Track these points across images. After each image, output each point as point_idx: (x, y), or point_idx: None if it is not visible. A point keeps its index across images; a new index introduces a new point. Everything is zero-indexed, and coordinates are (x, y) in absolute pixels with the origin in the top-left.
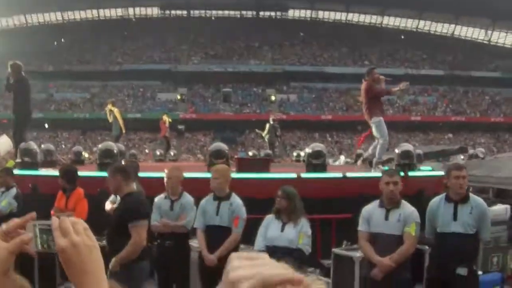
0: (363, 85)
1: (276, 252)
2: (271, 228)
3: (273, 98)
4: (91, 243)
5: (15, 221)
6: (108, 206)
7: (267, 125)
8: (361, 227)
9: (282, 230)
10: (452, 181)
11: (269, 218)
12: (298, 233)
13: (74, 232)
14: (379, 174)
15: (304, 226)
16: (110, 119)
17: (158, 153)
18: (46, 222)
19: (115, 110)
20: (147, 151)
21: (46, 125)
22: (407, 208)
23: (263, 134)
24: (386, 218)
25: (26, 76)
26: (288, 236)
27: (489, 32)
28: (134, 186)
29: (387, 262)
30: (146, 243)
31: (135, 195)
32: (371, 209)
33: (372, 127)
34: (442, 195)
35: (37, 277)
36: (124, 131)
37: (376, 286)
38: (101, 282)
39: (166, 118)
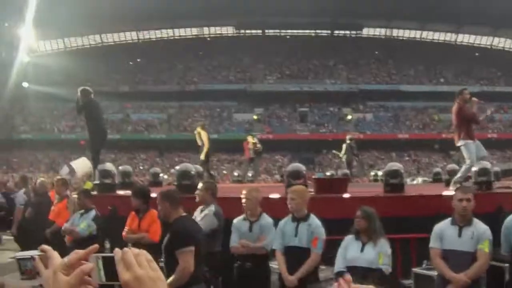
0: (454, 107)
1: (356, 272)
2: (350, 249)
3: (349, 117)
4: (155, 275)
5: (78, 252)
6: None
7: (344, 145)
8: (434, 244)
9: (362, 250)
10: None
11: (349, 238)
12: (378, 253)
13: (137, 264)
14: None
15: (383, 246)
16: (199, 142)
17: (236, 174)
18: (110, 255)
19: (203, 133)
20: (224, 172)
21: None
22: (480, 226)
23: (341, 155)
24: (460, 235)
25: (95, 99)
26: (368, 256)
27: None
28: (181, 211)
29: (462, 278)
30: (195, 268)
31: (182, 221)
32: (444, 227)
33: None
34: None
35: None
36: (207, 158)
37: None
38: None
39: (250, 140)
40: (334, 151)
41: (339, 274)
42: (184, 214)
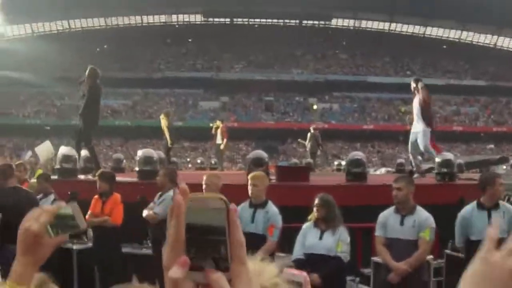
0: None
1: (314, 259)
2: (309, 236)
3: (315, 107)
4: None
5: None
6: (145, 213)
7: (308, 135)
8: (378, 232)
9: (321, 238)
10: (498, 188)
11: (307, 226)
12: (337, 241)
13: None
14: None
15: (342, 234)
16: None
17: (199, 161)
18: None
19: (163, 121)
20: (188, 159)
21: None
22: (422, 214)
23: (305, 143)
24: (402, 223)
25: (100, 83)
26: (326, 244)
27: None
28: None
29: (402, 267)
30: None
31: None
32: (387, 215)
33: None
34: (473, 204)
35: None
36: (169, 144)
37: None
38: None
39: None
40: (299, 140)
41: (297, 261)
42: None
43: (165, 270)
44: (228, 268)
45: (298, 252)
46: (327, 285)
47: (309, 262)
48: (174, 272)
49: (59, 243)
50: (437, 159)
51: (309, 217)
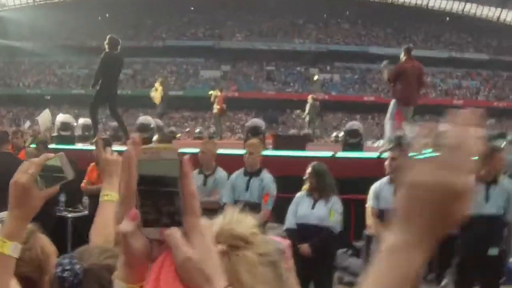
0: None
1: (306, 229)
2: (302, 206)
3: (316, 77)
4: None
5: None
6: None
7: (307, 104)
8: (370, 203)
9: (313, 207)
10: (497, 162)
11: (300, 195)
12: (329, 210)
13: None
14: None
15: (335, 203)
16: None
17: (197, 130)
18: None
19: (159, 89)
20: (187, 129)
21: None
22: None
23: (303, 115)
24: (395, 194)
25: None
26: (318, 213)
27: None
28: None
29: None
30: None
31: None
32: (380, 186)
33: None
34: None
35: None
36: (160, 110)
37: None
38: None
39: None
40: (298, 111)
41: (289, 231)
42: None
43: (116, 224)
44: (181, 222)
45: (290, 221)
46: (317, 256)
47: (301, 232)
48: (124, 225)
49: (49, 195)
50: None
51: (303, 187)
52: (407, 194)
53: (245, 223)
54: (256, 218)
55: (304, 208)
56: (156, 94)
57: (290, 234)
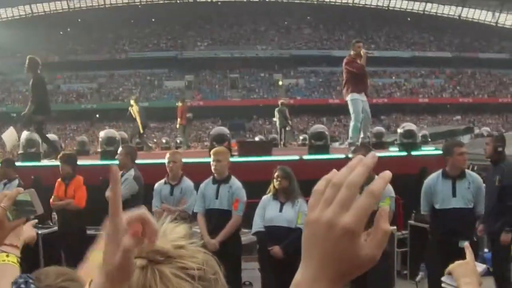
0: (344, 60)
1: (276, 232)
2: (269, 209)
3: (280, 83)
4: None
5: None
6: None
7: (276, 110)
8: None
9: (281, 210)
10: (457, 157)
11: (267, 198)
12: (297, 213)
13: None
14: (384, 154)
15: (302, 206)
16: (133, 115)
17: (164, 141)
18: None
19: (135, 107)
20: (155, 140)
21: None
22: None
23: (274, 119)
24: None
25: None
26: (287, 216)
27: (497, 14)
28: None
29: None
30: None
31: None
32: None
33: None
34: (438, 173)
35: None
36: (141, 131)
37: None
38: None
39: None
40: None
41: (258, 234)
42: None
43: (105, 262)
44: None
45: (258, 224)
46: (289, 257)
47: (270, 235)
48: (127, 241)
49: (16, 226)
50: (399, 130)
51: (268, 190)
52: (306, 231)
53: (170, 235)
54: (187, 228)
55: (271, 211)
56: (133, 110)
57: (260, 237)
